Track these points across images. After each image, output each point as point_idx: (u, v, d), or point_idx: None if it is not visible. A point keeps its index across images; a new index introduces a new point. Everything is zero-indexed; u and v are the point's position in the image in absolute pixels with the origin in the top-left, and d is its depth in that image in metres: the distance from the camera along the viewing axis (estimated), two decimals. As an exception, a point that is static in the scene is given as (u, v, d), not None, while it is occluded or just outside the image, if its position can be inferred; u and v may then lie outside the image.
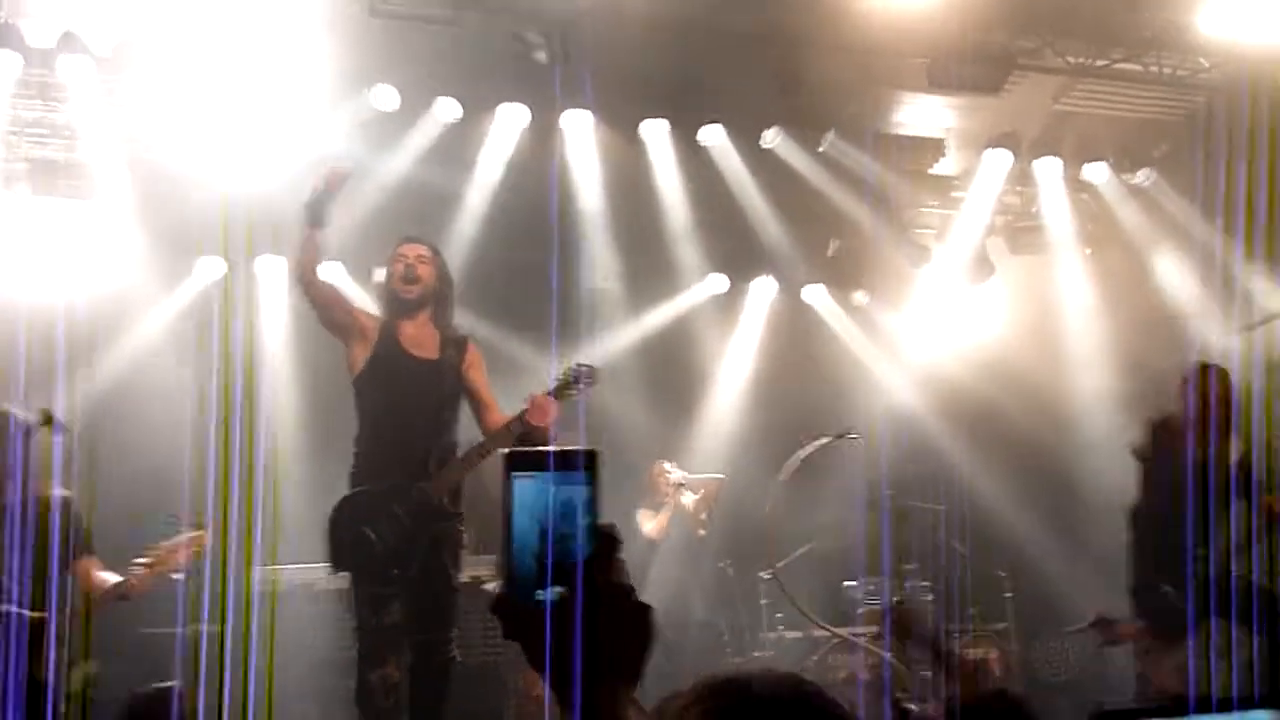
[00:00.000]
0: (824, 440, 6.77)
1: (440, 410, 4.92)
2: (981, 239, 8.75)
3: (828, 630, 7.00)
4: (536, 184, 7.62)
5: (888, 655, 6.17)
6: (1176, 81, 7.80)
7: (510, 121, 7.55)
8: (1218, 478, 5.06)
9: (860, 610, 7.57)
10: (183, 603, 5.03)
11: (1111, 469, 7.66)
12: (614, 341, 8.28)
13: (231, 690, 4.72)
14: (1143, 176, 8.53)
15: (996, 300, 9.15)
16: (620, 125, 7.71)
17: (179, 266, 7.61)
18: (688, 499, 7.70)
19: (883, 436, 7.35)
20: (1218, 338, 7.92)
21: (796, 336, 8.91)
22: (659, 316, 8.71)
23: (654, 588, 7.06)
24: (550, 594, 1.14)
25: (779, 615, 7.55)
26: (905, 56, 7.23)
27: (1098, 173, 8.54)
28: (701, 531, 7.77)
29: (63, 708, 3.89)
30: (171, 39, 6.51)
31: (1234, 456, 5.29)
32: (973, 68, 7.15)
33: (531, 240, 7.59)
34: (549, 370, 4.97)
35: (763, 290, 9.02)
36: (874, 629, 7.23)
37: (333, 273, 7.57)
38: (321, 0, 6.43)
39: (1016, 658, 7.74)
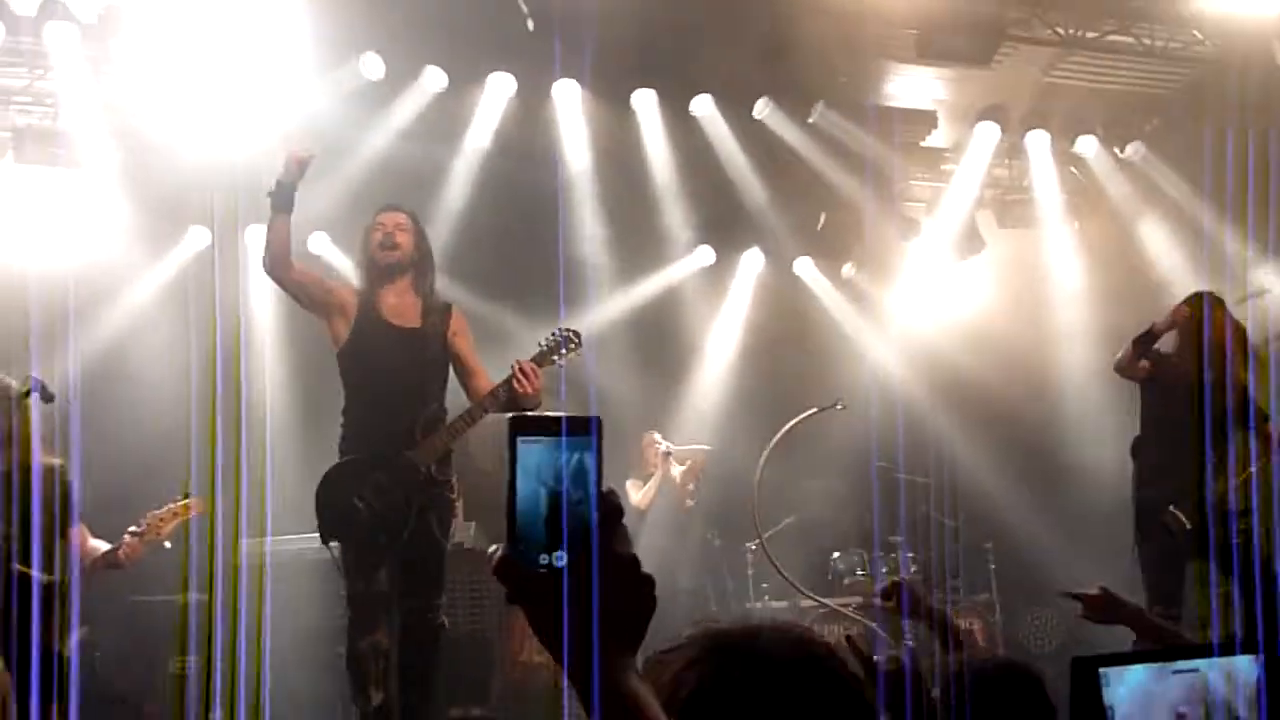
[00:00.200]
0: (811, 411, 6.77)
1: (425, 378, 4.91)
2: (971, 212, 8.75)
3: (814, 600, 7.04)
4: (524, 154, 7.59)
5: (875, 625, 6.20)
6: (1168, 54, 7.76)
7: (498, 91, 7.50)
8: (1221, 400, 5.02)
9: (847, 581, 7.61)
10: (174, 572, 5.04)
11: (1099, 441, 7.72)
12: (602, 312, 8.26)
13: (223, 659, 4.75)
14: (1133, 150, 8.52)
15: (985, 273, 9.16)
16: (610, 96, 7.67)
17: (165, 235, 7.57)
18: (675, 470, 7.73)
19: (870, 409, 7.35)
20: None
21: (785, 309, 8.90)
22: (648, 288, 8.70)
23: (642, 557, 7.05)
24: (562, 558, 1.13)
25: (764, 585, 7.60)
26: (894, 26, 7.19)
27: (1088, 146, 8.54)
28: (689, 502, 7.80)
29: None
30: (157, 6, 6.45)
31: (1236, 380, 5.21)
32: (962, 38, 7.11)
33: (518, 210, 7.57)
34: (538, 339, 4.95)
35: (751, 262, 9.01)
36: (858, 599, 7.27)
37: (319, 242, 7.59)
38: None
39: (999, 628, 7.81)
